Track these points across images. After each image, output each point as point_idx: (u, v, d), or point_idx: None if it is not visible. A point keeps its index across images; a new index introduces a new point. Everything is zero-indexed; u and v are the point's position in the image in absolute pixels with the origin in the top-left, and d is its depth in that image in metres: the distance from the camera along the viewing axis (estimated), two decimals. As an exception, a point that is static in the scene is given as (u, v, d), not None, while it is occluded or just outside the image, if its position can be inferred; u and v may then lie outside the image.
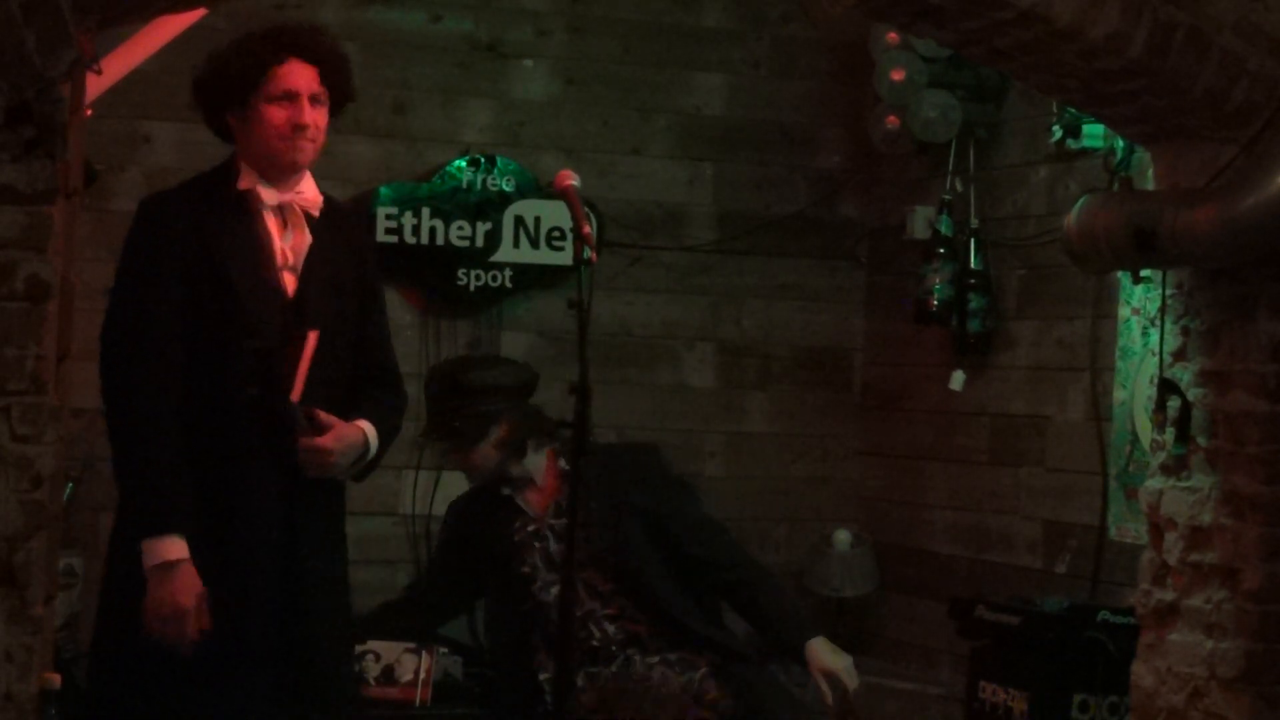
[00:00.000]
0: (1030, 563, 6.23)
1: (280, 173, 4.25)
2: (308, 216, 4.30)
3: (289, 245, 4.27)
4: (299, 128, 4.21)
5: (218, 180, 4.26)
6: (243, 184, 4.22)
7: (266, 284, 4.21)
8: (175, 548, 4.05)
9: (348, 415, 4.28)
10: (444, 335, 6.52)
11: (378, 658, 5.62)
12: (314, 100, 4.24)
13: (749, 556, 5.88)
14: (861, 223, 7.08)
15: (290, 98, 4.21)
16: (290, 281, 4.26)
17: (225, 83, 4.23)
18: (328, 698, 4.31)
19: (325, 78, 4.26)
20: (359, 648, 5.55)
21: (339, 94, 4.32)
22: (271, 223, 4.25)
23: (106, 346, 4.16)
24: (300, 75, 4.23)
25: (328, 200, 4.36)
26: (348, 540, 4.44)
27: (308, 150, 4.25)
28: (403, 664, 5.63)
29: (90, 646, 4.36)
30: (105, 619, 4.24)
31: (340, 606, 4.39)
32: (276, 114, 4.20)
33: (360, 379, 4.38)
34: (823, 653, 5.51)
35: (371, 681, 5.58)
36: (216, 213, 4.20)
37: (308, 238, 4.29)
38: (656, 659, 5.64)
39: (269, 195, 4.24)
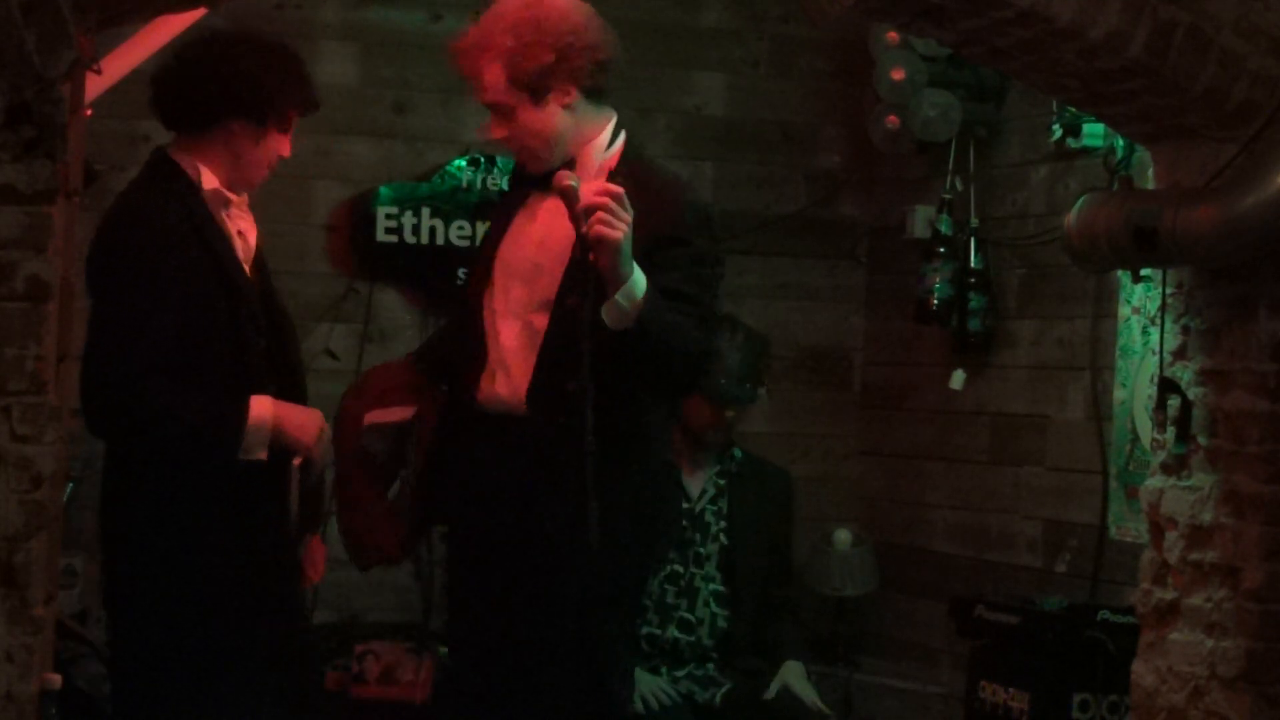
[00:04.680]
0: (1030, 562, 6.23)
1: (239, 190, 4.27)
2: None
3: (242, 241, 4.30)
4: (279, 160, 4.30)
5: (176, 180, 4.20)
6: (207, 184, 4.19)
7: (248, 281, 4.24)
8: (259, 407, 4.05)
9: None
10: (444, 335, 6.51)
11: (378, 657, 5.61)
12: None
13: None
14: (861, 222, 7.08)
15: (286, 133, 4.29)
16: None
17: (261, 94, 4.20)
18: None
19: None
20: (359, 648, 5.55)
21: None
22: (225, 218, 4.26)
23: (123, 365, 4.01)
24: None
25: None
26: None
27: None
28: (403, 664, 5.63)
29: (109, 650, 4.34)
30: (119, 621, 4.22)
31: None
32: (278, 145, 4.26)
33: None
34: (794, 675, 5.55)
35: (371, 681, 5.58)
36: (199, 211, 4.17)
37: (253, 240, 4.31)
38: (683, 673, 5.62)
39: (230, 194, 4.24)
